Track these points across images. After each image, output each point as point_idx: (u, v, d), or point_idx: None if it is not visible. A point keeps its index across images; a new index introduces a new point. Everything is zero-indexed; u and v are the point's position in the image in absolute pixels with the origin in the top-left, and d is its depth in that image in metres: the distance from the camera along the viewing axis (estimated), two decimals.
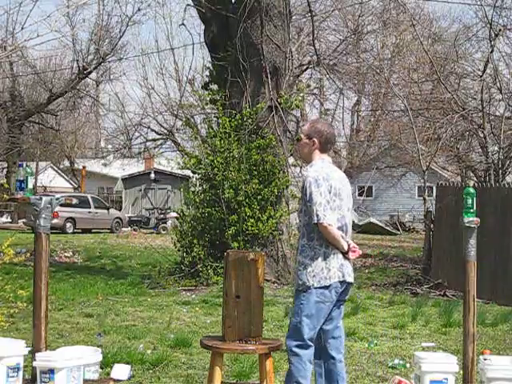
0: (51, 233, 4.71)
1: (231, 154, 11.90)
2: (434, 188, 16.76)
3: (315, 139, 4.50)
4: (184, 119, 18.24)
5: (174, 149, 29.82)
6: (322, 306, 4.29)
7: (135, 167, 37.98)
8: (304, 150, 4.58)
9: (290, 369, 4.32)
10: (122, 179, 39.44)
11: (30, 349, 4.52)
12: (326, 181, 4.33)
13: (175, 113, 28.16)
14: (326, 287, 4.28)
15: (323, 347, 4.44)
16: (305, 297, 4.28)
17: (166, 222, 29.97)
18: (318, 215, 4.25)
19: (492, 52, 15.96)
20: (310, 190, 4.31)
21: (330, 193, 4.32)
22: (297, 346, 4.26)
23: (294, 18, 17.70)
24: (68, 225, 27.38)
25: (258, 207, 11.76)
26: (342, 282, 4.33)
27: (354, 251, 4.37)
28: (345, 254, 4.35)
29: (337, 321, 4.45)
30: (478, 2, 17.06)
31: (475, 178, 20.02)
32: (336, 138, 4.79)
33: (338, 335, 4.45)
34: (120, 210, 35.44)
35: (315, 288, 4.26)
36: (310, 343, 4.30)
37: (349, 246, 4.35)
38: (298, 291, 4.36)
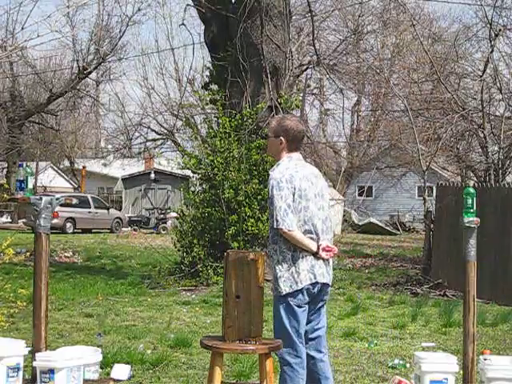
0: (51, 233, 4.71)
1: (231, 153, 11.90)
2: (434, 188, 16.76)
3: (282, 138, 4.35)
4: (184, 119, 18.27)
5: (174, 149, 29.86)
6: (298, 310, 4.20)
7: (135, 167, 38.01)
8: (271, 149, 4.45)
9: (282, 376, 4.28)
10: (122, 179, 39.45)
11: (29, 349, 4.51)
12: (290, 183, 4.20)
13: (175, 113, 28.20)
14: (298, 291, 4.18)
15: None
16: (281, 303, 4.21)
17: (166, 222, 29.98)
18: (277, 220, 4.14)
19: (492, 52, 15.97)
20: (271, 194, 4.20)
21: (293, 195, 4.19)
22: (286, 354, 4.20)
23: (294, 18, 17.72)
24: (68, 225, 27.39)
25: (258, 207, 11.76)
26: (314, 284, 4.21)
27: (329, 250, 4.25)
28: (315, 255, 4.22)
29: (315, 322, 4.35)
30: (478, 2, 17.07)
31: (475, 178, 20.02)
32: (305, 133, 4.58)
33: (316, 335, 4.35)
34: (120, 210, 35.45)
35: (288, 294, 4.17)
36: (299, 349, 4.23)
37: (319, 246, 4.22)
38: (274, 298, 4.29)
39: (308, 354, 4.31)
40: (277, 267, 4.21)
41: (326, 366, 4.40)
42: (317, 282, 4.23)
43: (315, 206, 4.29)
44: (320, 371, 4.35)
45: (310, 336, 4.34)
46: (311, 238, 4.24)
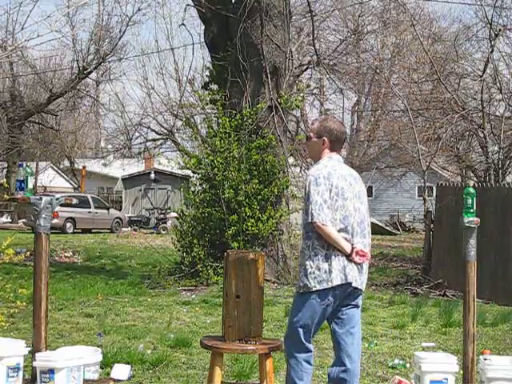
0: (51, 233, 4.71)
1: (231, 154, 11.90)
2: (434, 188, 16.75)
3: (325, 138, 4.39)
4: (184, 119, 18.26)
5: (174, 149, 29.84)
6: (318, 309, 4.16)
7: (135, 167, 37.99)
8: (314, 149, 4.46)
9: (287, 370, 4.29)
10: (122, 179, 39.44)
11: (29, 349, 4.52)
12: (327, 179, 4.21)
13: (175, 113, 28.17)
14: (328, 289, 4.13)
15: (335, 353, 4.32)
16: (304, 298, 4.17)
17: (166, 222, 29.98)
18: (312, 214, 4.13)
19: (492, 52, 15.97)
20: (308, 189, 4.21)
21: (330, 192, 4.19)
22: (293, 348, 4.21)
23: (293, 18, 17.71)
24: (68, 225, 27.39)
25: (258, 207, 11.76)
26: (344, 285, 4.15)
27: (363, 255, 4.20)
28: (348, 257, 4.17)
29: (349, 326, 4.27)
30: (478, 2, 17.08)
31: (475, 178, 20.02)
32: (346, 135, 4.65)
33: (350, 342, 4.25)
34: (120, 210, 35.45)
35: (317, 290, 4.12)
36: (308, 345, 4.23)
37: (353, 248, 4.18)
38: (298, 293, 4.25)
39: (340, 361, 4.24)
40: (307, 262, 4.17)
41: (355, 377, 4.28)
42: (348, 284, 4.17)
43: (352, 206, 4.27)
44: (349, 381, 4.23)
45: (345, 339, 4.25)
46: (345, 239, 4.20)
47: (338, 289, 4.16)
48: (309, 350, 4.26)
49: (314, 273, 4.14)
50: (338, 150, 4.46)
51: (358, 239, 4.26)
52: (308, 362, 4.26)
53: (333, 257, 4.15)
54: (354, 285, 4.19)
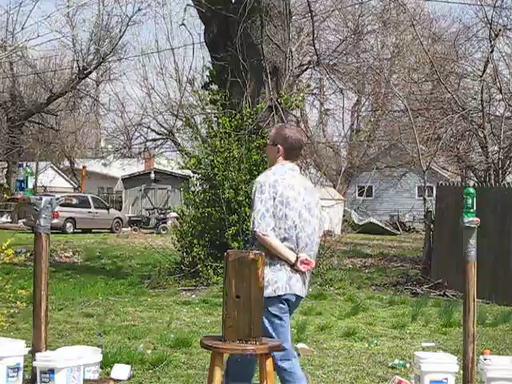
0: (51, 233, 4.71)
1: (231, 154, 11.90)
2: (434, 188, 16.77)
3: (279, 146, 4.32)
4: (184, 119, 18.26)
5: (174, 149, 29.85)
6: (278, 320, 4.16)
7: (135, 167, 38.00)
8: (270, 156, 4.44)
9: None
10: (122, 179, 39.44)
11: (29, 349, 4.52)
12: (272, 187, 4.14)
13: (175, 113, 28.20)
14: (276, 298, 4.12)
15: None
16: (265, 307, 4.07)
17: (166, 222, 29.97)
18: (253, 223, 4.11)
19: (492, 52, 15.99)
20: (253, 196, 4.20)
21: (274, 200, 4.13)
22: (279, 360, 4.17)
23: (293, 18, 17.69)
24: (68, 225, 27.38)
25: None
26: (290, 295, 4.16)
27: (307, 263, 4.15)
28: (293, 267, 4.14)
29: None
30: (478, 2, 17.10)
31: (475, 178, 20.04)
32: (303, 144, 4.51)
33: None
34: (120, 210, 35.44)
35: (268, 298, 4.07)
36: (288, 351, 4.19)
37: (297, 258, 4.14)
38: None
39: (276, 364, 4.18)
40: None
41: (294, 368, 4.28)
42: (294, 294, 4.17)
43: (299, 217, 4.19)
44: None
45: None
46: (290, 249, 4.16)
47: (286, 298, 4.15)
48: (292, 357, 4.26)
49: (266, 281, 4.06)
50: (294, 158, 4.37)
51: (307, 250, 4.21)
52: (298, 368, 4.28)
53: (278, 267, 4.13)
54: (298, 294, 4.19)
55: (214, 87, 13.00)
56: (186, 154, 13.45)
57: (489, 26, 15.61)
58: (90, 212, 28.36)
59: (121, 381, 5.52)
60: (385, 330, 8.20)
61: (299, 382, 4.23)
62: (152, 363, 6.07)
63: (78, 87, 30.95)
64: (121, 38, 29.02)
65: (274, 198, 4.14)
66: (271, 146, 4.39)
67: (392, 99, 29.79)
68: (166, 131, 31.43)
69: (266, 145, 4.48)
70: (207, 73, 13.50)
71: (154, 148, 32.89)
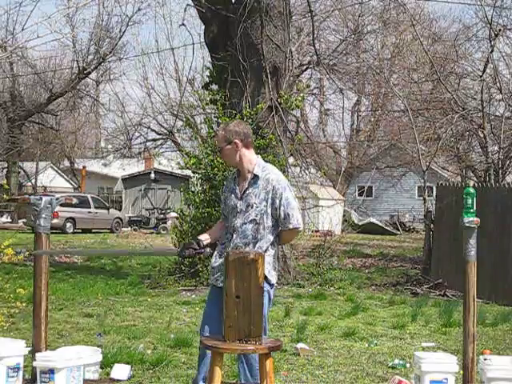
0: (51, 233, 4.71)
1: None
2: (434, 188, 16.76)
3: (235, 140, 4.41)
4: (184, 119, 18.26)
5: (174, 149, 29.86)
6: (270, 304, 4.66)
7: (135, 167, 37.99)
8: (231, 156, 4.46)
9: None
10: (122, 179, 39.44)
11: (29, 349, 4.52)
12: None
13: (175, 113, 28.18)
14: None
15: None
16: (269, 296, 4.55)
17: (166, 222, 29.97)
18: (298, 220, 4.34)
19: (492, 52, 15.98)
20: (286, 195, 4.33)
21: None
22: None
23: (293, 18, 17.68)
24: (68, 225, 27.39)
25: None
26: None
27: None
28: None
29: None
30: (478, 2, 17.07)
31: (475, 178, 20.05)
32: (250, 130, 4.66)
33: None
34: (120, 210, 35.45)
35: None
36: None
37: None
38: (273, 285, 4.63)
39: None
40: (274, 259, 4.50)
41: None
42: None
43: None
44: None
45: None
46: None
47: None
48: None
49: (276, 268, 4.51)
50: (252, 146, 4.55)
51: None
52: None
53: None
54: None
55: (214, 87, 13.00)
56: (185, 153, 13.45)
57: (489, 26, 15.59)
58: (89, 212, 28.36)
59: (121, 381, 5.52)
60: (385, 330, 8.20)
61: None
62: (152, 363, 6.07)
63: (77, 87, 30.94)
64: (121, 38, 29.03)
65: None
66: (227, 146, 4.43)
67: (392, 99, 29.79)
68: (165, 131, 31.43)
69: (221, 150, 4.49)
70: (207, 73, 13.50)
71: (154, 148, 32.88)
